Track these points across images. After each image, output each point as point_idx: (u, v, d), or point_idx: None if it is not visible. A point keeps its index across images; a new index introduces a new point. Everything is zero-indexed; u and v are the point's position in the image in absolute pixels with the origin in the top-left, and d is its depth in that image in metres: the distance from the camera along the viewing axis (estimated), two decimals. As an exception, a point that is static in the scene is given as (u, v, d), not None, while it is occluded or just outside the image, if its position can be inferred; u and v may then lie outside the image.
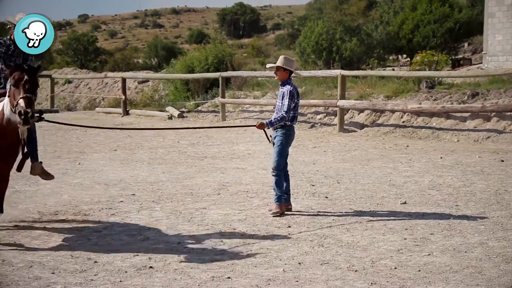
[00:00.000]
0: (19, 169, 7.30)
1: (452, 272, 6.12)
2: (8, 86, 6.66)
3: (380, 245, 7.11)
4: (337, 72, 18.63)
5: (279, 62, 8.71)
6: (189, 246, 7.18)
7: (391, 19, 35.82)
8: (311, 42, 30.34)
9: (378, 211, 8.77)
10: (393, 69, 31.01)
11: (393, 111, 17.54)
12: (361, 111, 18.42)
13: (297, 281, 5.97)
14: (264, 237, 7.51)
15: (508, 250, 6.83)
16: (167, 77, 27.24)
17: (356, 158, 13.31)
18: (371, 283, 5.86)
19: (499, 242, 7.12)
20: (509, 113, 15.41)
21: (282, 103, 8.57)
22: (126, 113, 25.23)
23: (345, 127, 17.97)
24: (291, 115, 8.56)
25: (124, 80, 26.56)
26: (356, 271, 6.22)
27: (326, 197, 9.61)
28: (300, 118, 18.92)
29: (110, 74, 31.55)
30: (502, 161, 12.53)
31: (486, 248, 6.90)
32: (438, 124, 16.59)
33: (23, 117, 6.30)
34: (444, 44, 33.43)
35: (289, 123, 8.59)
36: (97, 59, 53.98)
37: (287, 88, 8.61)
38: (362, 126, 17.94)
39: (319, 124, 19.02)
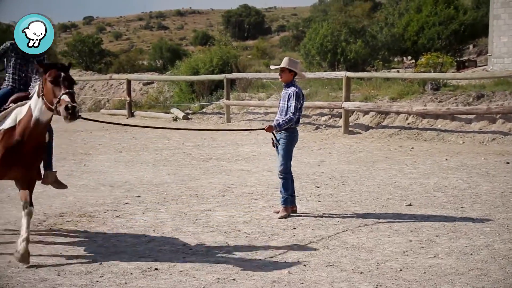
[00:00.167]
0: (39, 176, 7.21)
1: (458, 274, 6.11)
2: (37, 86, 6.55)
3: (385, 247, 7.10)
4: (342, 74, 18.62)
5: (284, 64, 8.71)
6: (194, 248, 7.18)
7: (396, 21, 35.79)
8: (316, 44, 30.33)
9: (383, 213, 8.76)
10: (398, 71, 30.97)
11: (398, 113, 17.53)
12: (366, 113, 18.40)
13: (302, 283, 5.97)
14: (269, 239, 7.51)
15: (514, 252, 6.82)
16: (172, 79, 27.27)
17: (361, 160, 13.30)
18: (377, 285, 5.85)
19: (505, 244, 7.11)
20: (514, 115, 15.38)
21: (288, 104, 8.56)
22: (131, 114, 25.27)
23: (350, 129, 17.96)
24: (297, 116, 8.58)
25: (129, 82, 26.60)
26: (361, 273, 6.21)
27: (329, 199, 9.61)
28: (305, 120, 18.96)
29: (115, 76, 31.58)
30: (508, 163, 12.50)
31: (491, 250, 6.88)
32: (443, 126, 16.56)
33: (70, 111, 6.15)
34: (449, 46, 33.39)
35: (293, 125, 8.60)
36: (102, 61, 54.02)
37: (292, 89, 8.60)
38: (367, 128, 17.92)
39: (324, 126, 19.01)
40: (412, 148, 14.92)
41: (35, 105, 6.55)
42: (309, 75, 19.94)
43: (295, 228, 7.99)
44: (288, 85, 8.73)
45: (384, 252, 6.90)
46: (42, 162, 7.35)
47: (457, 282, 5.90)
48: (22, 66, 7.41)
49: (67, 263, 6.61)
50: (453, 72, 24.76)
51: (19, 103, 6.84)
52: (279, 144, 8.63)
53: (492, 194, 9.73)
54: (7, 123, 6.71)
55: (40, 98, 6.49)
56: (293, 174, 8.83)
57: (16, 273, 6.25)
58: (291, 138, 8.66)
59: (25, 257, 6.43)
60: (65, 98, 6.23)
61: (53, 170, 7.84)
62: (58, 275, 6.21)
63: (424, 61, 23.15)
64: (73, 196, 9.93)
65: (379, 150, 14.81)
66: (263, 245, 7.25)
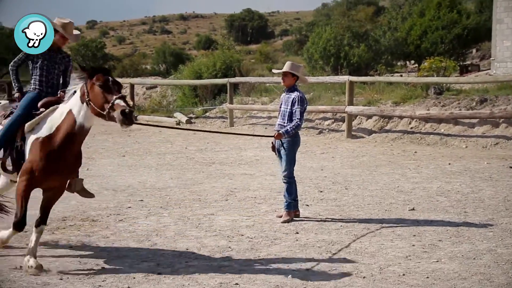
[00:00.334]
0: (69, 187, 7.03)
1: (461, 279, 6.10)
2: (78, 91, 6.37)
3: (388, 251, 7.10)
4: (345, 78, 18.62)
5: (287, 68, 8.70)
6: (197, 252, 7.19)
7: (399, 25, 35.74)
8: (319, 48, 30.30)
9: (386, 217, 8.76)
10: (401, 75, 30.94)
11: (401, 117, 17.52)
12: (369, 117, 18.40)
13: (305, 287, 5.97)
14: (272, 243, 7.51)
15: (517, 257, 6.81)
16: (175, 83, 27.30)
17: (364, 164, 13.29)
18: (379, 290, 5.85)
19: (508, 249, 7.10)
20: (517, 119, 15.37)
21: (293, 110, 8.56)
22: (134, 119, 25.25)
23: (353, 133, 17.95)
24: (299, 121, 8.61)
25: (132, 86, 26.64)
26: (364, 277, 6.21)
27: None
28: (308, 124, 18.96)
29: (118, 80, 31.61)
30: (511, 167, 12.48)
31: (494, 255, 6.87)
32: (446, 130, 16.55)
33: (128, 116, 6.02)
34: (452, 50, 33.32)
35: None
36: (105, 65, 54.13)
37: (296, 94, 8.61)
38: (370, 132, 17.92)
39: (327, 130, 19.01)
40: (415, 152, 14.91)
41: (78, 111, 6.35)
42: (312, 79, 19.94)
43: (298, 233, 7.99)
44: (290, 89, 8.72)
45: (387, 257, 6.89)
46: None
47: (460, 287, 5.90)
48: (50, 68, 7.09)
49: (70, 267, 6.61)
50: (456, 77, 24.73)
51: (50, 109, 6.62)
52: (284, 149, 8.63)
53: (495, 199, 9.72)
54: (44, 131, 6.47)
55: (85, 103, 6.30)
56: (296, 179, 8.83)
57: (18, 277, 6.26)
58: (294, 143, 8.68)
59: (39, 269, 6.38)
60: (120, 102, 6.08)
61: (79, 177, 7.32)
62: (61, 279, 6.22)
63: (427, 65, 23.12)
64: (76, 200, 9.91)
65: (382, 154, 14.81)
66: (266, 250, 7.25)
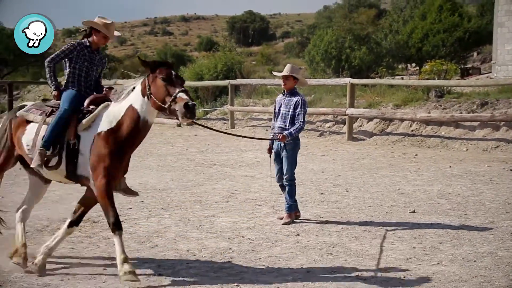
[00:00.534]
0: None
1: (461, 282, 6.10)
2: (138, 85, 6.34)
3: (389, 253, 7.10)
4: (346, 80, 18.63)
5: (288, 71, 8.69)
6: (198, 253, 7.19)
7: (400, 28, 35.77)
8: (321, 51, 30.34)
9: (387, 220, 8.76)
10: (402, 78, 30.96)
11: (402, 120, 17.53)
12: (370, 119, 18.40)
13: (305, 289, 5.98)
14: (273, 245, 7.51)
15: (518, 260, 6.81)
16: (176, 85, 27.25)
17: (365, 167, 13.30)
18: (380, 292, 5.86)
19: (508, 252, 7.10)
20: (518, 123, 15.37)
21: (296, 113, 8.58)
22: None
23: (354, 135, 17.96)
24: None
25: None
26: (365, 279, 6.21)
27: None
28: (309, 126, 18.97)
29: (119, 81, 31.59)
30: (511, 170, 12.49)
31: (495, 258, 6.88)
32: (447, 133, 16.56)
33: (190, 109, 5.89)
34: (454, 53, 33.33)
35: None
36: (106, 66, 54.10)
37: (298, 98, 8.64)
38: (371, 134, 17.92)
39: (328, 132, 19.02)
40: (416, 155, 14.91)
41: (141, 105, 6.25)
42: (313, 81, 19.97)
43: (298, 235, 7.99)
44: (292, 92, 8.74)
45: (388, 259, 6.89)
46: None
47: (460, 290, 5.90)
48: (89, 70, 6.89)
49: (71, 268, 6.61)
50: (457, 80, 24.72)
51: (102, 105, 6.48)
52: (286, 151, 8.64)
53: (496, 202, 9.73)
54: (104, 126, 6.30)
55: (146, 97, 6.21)
56: (296, 181, 8.84)
57: (19, 278, 6.26)
58: (295, 145, 8.71)
59: (42, 269, 6.35)
60: (183, 96, 5.96)
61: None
62: (62, 280, 6.22)
63: (428, 68, 23.15)
64: (77, 201, 9.91)
65: (383, 157, 14.81)
66: (267, 251, 7.25)
